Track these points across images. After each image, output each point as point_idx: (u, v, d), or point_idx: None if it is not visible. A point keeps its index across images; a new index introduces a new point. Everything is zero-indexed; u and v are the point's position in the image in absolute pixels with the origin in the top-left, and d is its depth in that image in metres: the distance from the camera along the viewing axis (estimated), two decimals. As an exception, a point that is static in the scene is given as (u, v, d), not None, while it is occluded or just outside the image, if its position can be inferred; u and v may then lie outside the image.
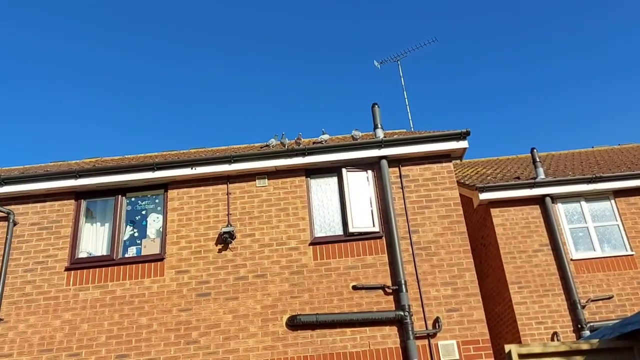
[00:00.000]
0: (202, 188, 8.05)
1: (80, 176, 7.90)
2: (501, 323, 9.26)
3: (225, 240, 7.55)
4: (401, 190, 7.80)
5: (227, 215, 7.82)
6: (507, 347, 4.43)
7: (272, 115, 32.45)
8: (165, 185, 8.09)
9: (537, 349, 4.46)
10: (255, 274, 7.46)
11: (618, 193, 9.41)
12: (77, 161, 10.36)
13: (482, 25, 33.58)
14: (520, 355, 4.39)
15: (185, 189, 8.04)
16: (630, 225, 9.12)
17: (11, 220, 7.80)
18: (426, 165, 7.93)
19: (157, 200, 8.13)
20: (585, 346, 4.44)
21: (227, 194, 7.96)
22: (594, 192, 9.36)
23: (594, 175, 9.30)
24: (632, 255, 8.95)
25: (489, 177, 10.25)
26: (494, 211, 9.34)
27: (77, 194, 8.10)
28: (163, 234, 7.80)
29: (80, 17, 30.06)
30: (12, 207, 7.94)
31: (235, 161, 7.91)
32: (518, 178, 9.79)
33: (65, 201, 8.04)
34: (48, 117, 31.16)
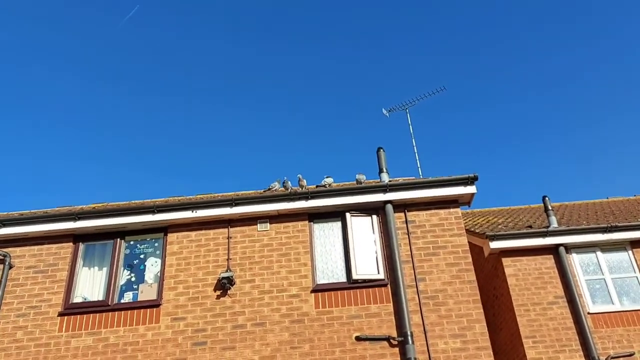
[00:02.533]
0: (202, 232, 7.86)
1: (80, 218, 7.78)
2: (516, 380, 8.68)
3: (224, 286, 7.28)
4: (407, 236, 7.53)
5: (227, 260, 7.58)
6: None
7: (276, 160, 32.56)
8: (165, 229, 7.92)
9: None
10: (254, 322, 7.13)
11: (635, 244, 9.00)
12: (80, 206, 10.28)
13: (491, 70, 34.01)
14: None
15: (185, 233, 7.86)
16: (649, 277, 8.66)
17: (7, 263, 7.64)
18: (433, 211, 7.69)
19: (156, 244, 7.94)
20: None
21: (228, 238, 7.75)
22: (609, 242, 8.98)
23: (609, 225, 8.95)
24: (653, 309, 8.44)
25: (500, 226, 9.93)
26: (506, 261, 8.97)
27: (76, 237, 7.94)
28: (160, 279, 7.55)
29: (88, 58, 31.01)
30: (9, 249, 7.80)
31: (237, 204, 7.75)
32: (530, 227, 9.46)
33: (64, 244, 7.89)
34: (49, 160, 31.57)
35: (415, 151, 9.99)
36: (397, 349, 6.80)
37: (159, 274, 7.64)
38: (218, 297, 7.34)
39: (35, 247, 7.83)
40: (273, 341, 6.98)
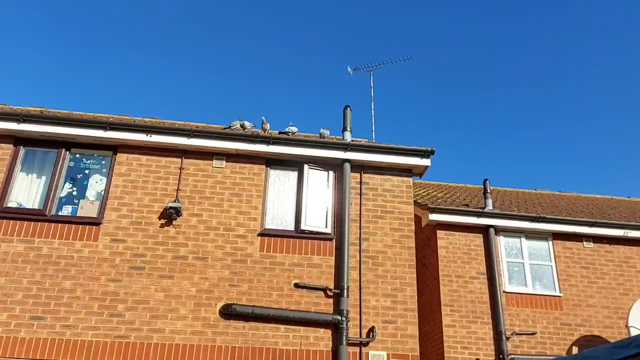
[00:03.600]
0: (154, 158, 7.65)
1: (25, 121, 7.30)
2: (428, 343, 9.40)
3: (170, 215, 7.20)
4: (359, 196, 7.75)
5: (177, 190, 7.47)
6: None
7: (239, 99, 31.63)
8: (115, 148, 7.63)
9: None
10: (196, 255, 7.16)
11: (556, 236, 9.82)
12: (22, 107, 9.59)
13: (460, 45, 34.57)
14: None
15: (136, 155, 7.61)
16: (562, 268, 9.54)
17: None
18: (387, 176, 7.93)
19: (103, 162, 7.64)
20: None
21: (180, 169, 7.60)
22: (535, 230, 9.73)
23: (537, 215, 9.67)
24: (560, 296, 9.35)
25: (439, 200, 10.44)
26: (440, 233, 9.50)
27: (17, 140, 7.47)
28: (104, 198, 7.33)
29: None
30: (-60, 139, 7.21)
31: (195, 136, 7.58)
32: (467, 205, 10.02)
33: (3, 145, 7.40)
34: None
35: (373, 114, 10.14)
36: (331, 300, 7.12)
37: (102, 193, 7.40)
38: (162, 225, 7.26)
39: (-30, 143, 7.30)
40: (212, 276, 7.06)
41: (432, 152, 7.86)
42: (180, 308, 6.85)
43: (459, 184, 13.43)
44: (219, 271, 7.10)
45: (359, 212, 7.65)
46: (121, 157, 7.61)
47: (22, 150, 7.49)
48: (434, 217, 9.38)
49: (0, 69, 28.56)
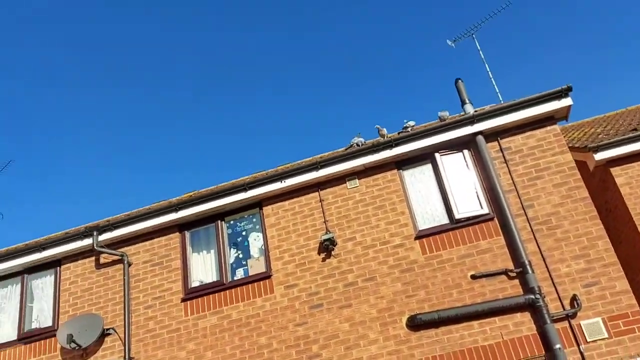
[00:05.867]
0: (294, 200, 7.94)
1: (180, 209, 8.11)
2: (648, 293, 8.16)
3: (327, 247, 7.35)
4: (505, 164, 7.15)
5: (324, 222, 7.62)
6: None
7: (348, 117, 31.90)
8: (260, 203, 8.08)
9: None
10: (364, 277, 7.17)
11: None
12: (177, 197, 10.72)
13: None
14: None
15: (279, 203, 7.97)
16: None
17: (125, 262, 8.16)
18: (528, 133, 7.22)
19: (254, 219, 8.14)
20: None
21: (320, 201, 7.77)
22: None
23: None
24: None
25: (600, 136, 9.18)
26: (615, 170, 8.28)
27: (180, 227, 8.31)
28: (266, 252, 7.76)
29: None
30: (124, 249, 8.32)
31: (323, 166, 7.72)
32: (635, 129, 8.66)
33: (171, 235, 8.29)
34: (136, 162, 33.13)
35: (491, 76, 9.33)
36: (516, 281, 6.57)
37: (263, 247, 7.85)
38: (324, 259, 7.43)
39: (147, 242, 8.30)
40: (387, 293, 6.99)
41: (570, 89, 7.00)
42: (368, 333, 6.87)
43: (616, 111, 11.72)
44: (391, 286, 7.01)
45: (511, 181, 7.04)
46: (267, 209, 8.03)
47: (187, 234, 8.31)
48: (600, 155, 8.22)
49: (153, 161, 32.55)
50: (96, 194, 31.93)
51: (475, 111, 7.39)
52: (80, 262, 8.48)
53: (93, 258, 8.44)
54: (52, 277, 8.50)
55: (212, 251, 8.15)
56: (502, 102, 8.34)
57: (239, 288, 7.65)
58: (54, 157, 32.25)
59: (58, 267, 8.51)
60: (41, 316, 8.33)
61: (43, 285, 8.53)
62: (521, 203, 6.89)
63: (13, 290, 8.59)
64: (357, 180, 7.71)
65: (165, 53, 30.87)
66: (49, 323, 8.17)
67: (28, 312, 8.41)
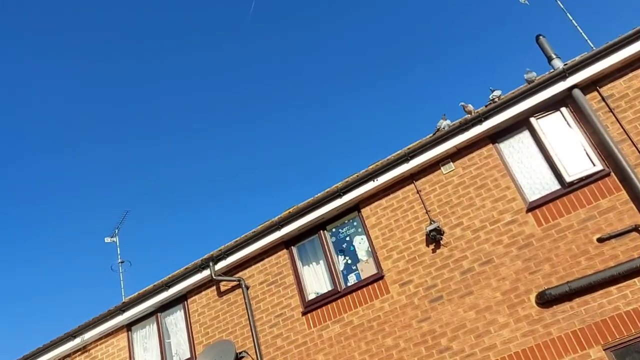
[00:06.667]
0: (391, 196, 7.83)
1: (282, 225, 8.32)
2: None
3: (434, 238, 7.16)
4: (611, 113, 6.54)
5: (426, 212, 7.44)
6: None
7: (429, 100, 30.90)
8: (357, 206, 8.07)
9: None
10: (480, 262, 6.88)
11: None
12: (278, 216, 11.02)
13: None
14: None
15: (376, 203, 7.91)
16: None
17: (243, 286, 8.52)
18: (631, 74, 6.56)
19: (355, 223, 8.14)
20: None
21: (418, 192, 7.59)
22: None
23: None
24: None
25: None
26: None
27: (286, 243, 8.53)
28: (373, 253, 7.72)
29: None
30: (240, 274, 8.69)
31: (412, 157, 7.55)
32: None
33: (279, 252, 8.53)
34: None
35: (575, 24, 8.52)
36: (652, 236, 5.97)
37: (369, 249, 7.82)
38: (433, 250, 7.25)
39: (259, 264, 8.61)
40: (508, 273, 6.66)
41: (670, 14, 6.24)
42: (497, 318, 6.58)
43: None
44: (511, 265, 6.67)
45: (622, 130, 6.43)
46: (365, 211, 8.00)
47: (294, 250, 8.50)
48: None
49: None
50: (206, 229, 33.55)
51: (565, 64, 6.84)
52: (203, 292, 8.99)
53: (214, 287, 8.91)
54: (182, 311, 9.09)
55: (321, 262, 8.26)
56: (593, 48, 7.66)
57: (354, 293, 7.68)
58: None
59: (185, 302, 9.09)
60: (179, 350, 8.93)
61: (175, 321, 9.15)
62: (638, 151, 6.26)
63: (151, 329, 9.29)
64: (451, 163, 7.45)
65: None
66: (188, 355, 8.73)
67: (167, 348, 9.06)
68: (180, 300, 9.14)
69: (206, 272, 8.75)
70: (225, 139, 33.49)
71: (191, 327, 8.86)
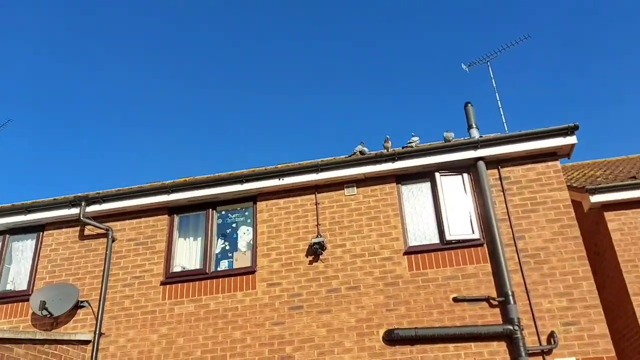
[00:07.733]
0: (290, 199, 7.90)
1: (173, 191, 8.04)
2: (624, 340, 8.19)
3: (315, 251, 7.32)
4: (502, 193, 7.18)
5: (317, 225, 7.59)
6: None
7: (359, 124, 31.73)
8: (254, 197, 8.03)
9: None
10: (348, 285, 7.14)
11: None
12: (172, 180, 10.61)
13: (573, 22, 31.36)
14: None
15: (274, 200, 7.93)
16: None
17: (110, 237, 8.07)
18: (529, 166, 7.26)
19: (246, 213, 8.09)
20: None
21: (316, 204, 7.74)
22: None
23: None
24: None
25: (599, 179, 9.26)
26: (609, 215, 8.35)
27: (170, 209, 8.24)
28: (254, 247, 7.71)
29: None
30: (111, 224, 8.23)
31: (323, 170, 7.70)
32: (634, 177, 8.74)
33: (159, 216, 8.21)
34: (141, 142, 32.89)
35: (500, 105, 9.31)
36: (497, 310, 6.58)
37: (251, 242, 7.79)
38: (310, 262, 7.39)
39: (134, 221, 8.21)
40: (368, 304, 6.97)
41: (576, 128, 7.05)
42: (344, 341, 6.83)
43: (618, 157, 11.84)
44: (374, 297, 6.98)
45: (506, 210, 7.07)
46: (261, 205, 7.98)
47: (176, 218, 8.23)
48: (596, 198, 8.29)
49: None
50: (88, 168, 31.65)
51: (481, 137, 7.42)
52: (64, 230, 8.39)
53: (77, 228, 8.34)
54: (34, 241, 8.40)
55: (199, 239, 8.08)
56: (507, 132, 8.39)
57: (221, 279, 7.59)
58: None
59: (41, 232, 8.42)
60: (17, 279, 8.22)
61: (23, 248, 8.42)
62: (512, 233, 6.92)
63: (-8, 248, 8.47)
64: (355, 188, 7.70)
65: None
66: (24, 287, 8.07)
67: (5, 273, 8.30)
68: (36, 229, 8.44)
69: (74, 210, 8.17)
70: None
71: (38, 260, 8.21)
